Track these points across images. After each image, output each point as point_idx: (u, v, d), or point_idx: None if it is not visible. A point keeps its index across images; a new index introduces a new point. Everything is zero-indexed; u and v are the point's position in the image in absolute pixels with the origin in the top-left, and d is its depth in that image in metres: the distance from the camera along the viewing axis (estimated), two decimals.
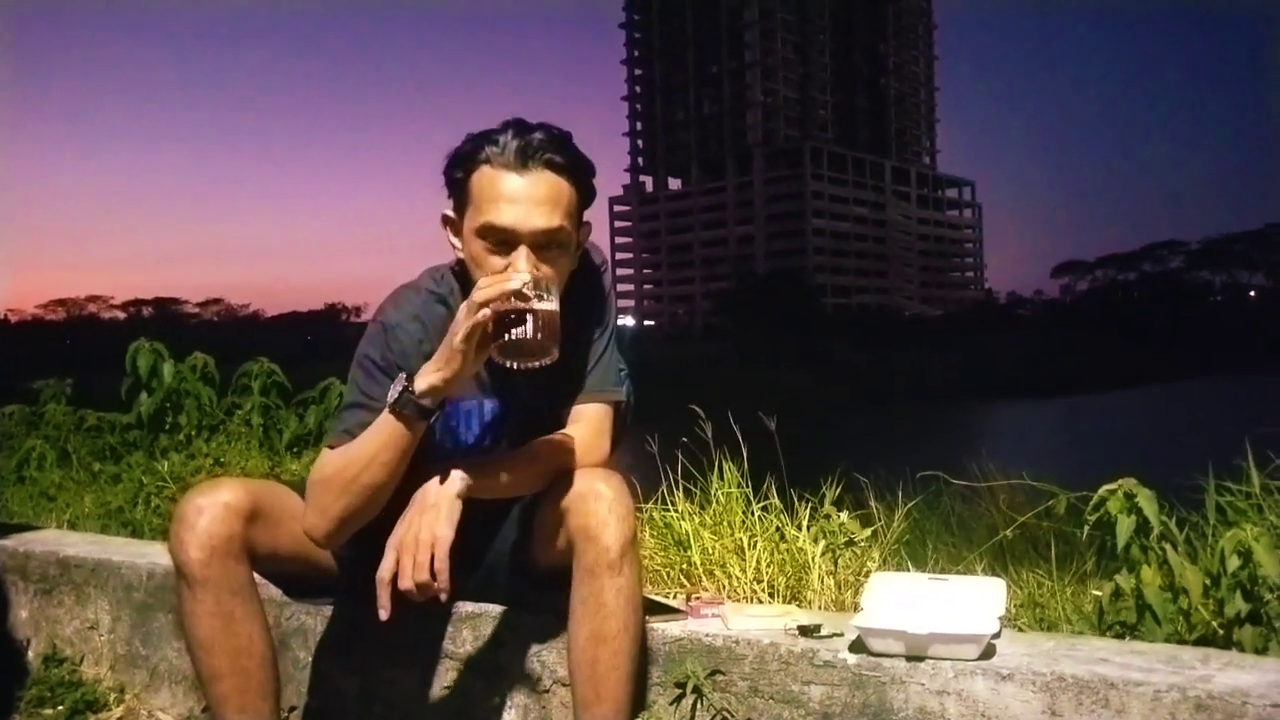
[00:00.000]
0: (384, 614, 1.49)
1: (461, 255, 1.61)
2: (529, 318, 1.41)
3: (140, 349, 4.13)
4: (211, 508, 1.51)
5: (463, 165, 1.56)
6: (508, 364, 1.44)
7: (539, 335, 1.41)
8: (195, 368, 4.16)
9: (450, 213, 1.62)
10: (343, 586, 1.80)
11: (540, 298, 1.42)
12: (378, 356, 1.65)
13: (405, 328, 1.66)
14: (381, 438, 1.51)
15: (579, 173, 1.57)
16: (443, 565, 1.49)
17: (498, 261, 1.52)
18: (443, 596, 1.50)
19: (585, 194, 1.60)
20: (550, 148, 1.53)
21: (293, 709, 2.01)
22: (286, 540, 1.61)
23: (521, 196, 1.51)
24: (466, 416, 1.72)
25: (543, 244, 1.53)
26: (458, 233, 1.60)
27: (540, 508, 1.65)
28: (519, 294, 1.40)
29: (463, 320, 1.42)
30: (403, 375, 1.51)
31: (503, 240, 1.52)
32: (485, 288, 1.41)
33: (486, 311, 1.40)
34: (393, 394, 1.49)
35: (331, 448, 1.61)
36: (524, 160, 1.51)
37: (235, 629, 1.51)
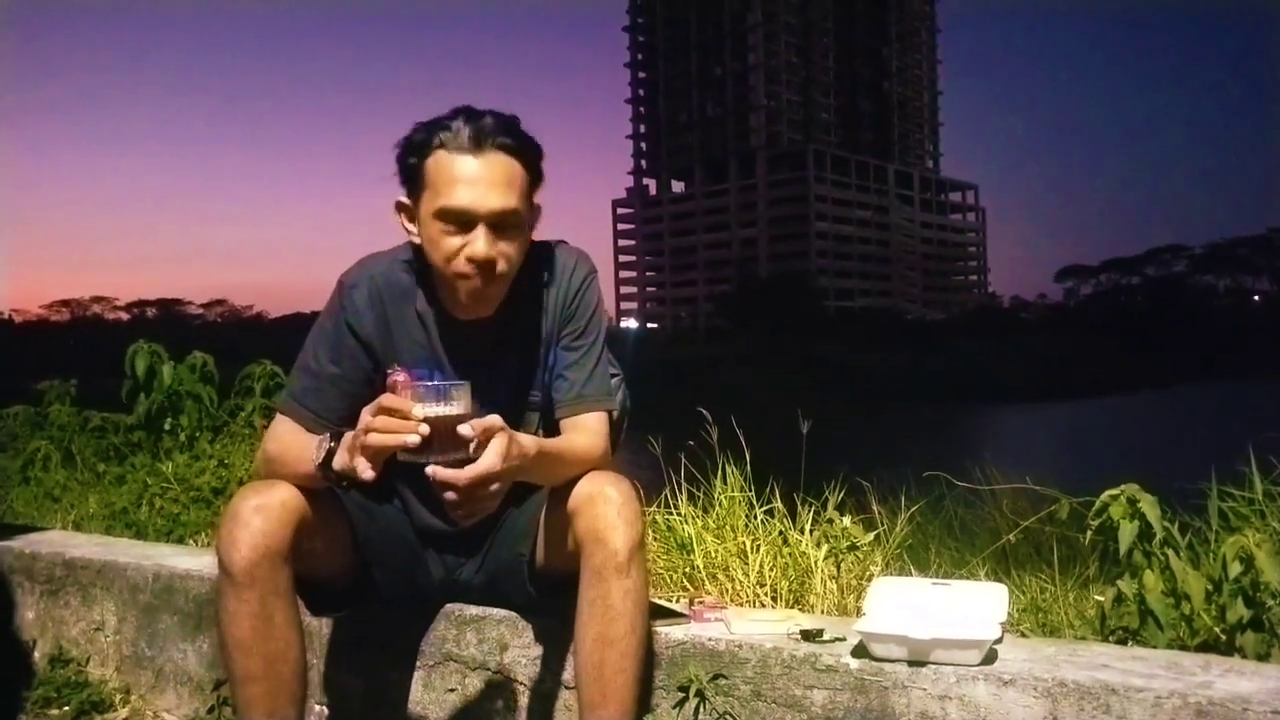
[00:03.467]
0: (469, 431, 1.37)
1: (416, 240, 1.64)
2: (425, 451, 1.34)
3: (138, 350, 4.13)
4: (268, 508, 1.51)
5: (416, 152, 1.58)
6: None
7: (434, 458, 1.36)
8: (194, 367, 4.16)
9: (405, 199, 1.64)
10: (356, 594, 1.80)
11: (445, 405, 1.35)
12: (331, 315, 1.70)
13: (361, 288, 1.69)
14: (305, 469, 1.54)
15: (529, 154, 1.61)
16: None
17: (454, 242, 1.56)
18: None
19: (535, 175, 1.63)
20: (502, 131, 1.56)
21: None
22: (319, 545, 1.61)
23: (478, 178, 1.54)
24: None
25: (499, 223, 1.57)
26: (413, 218, 1.63)
27: (548, 511, 1.67)
28: (410, 450, 1.34)
29: (359, 433, 1.39)
30: (328, 436, 1.52)
31: (461, 221, 1.55)
32: (382, 432, 1.34)
33: (375, 440, 1.35)
34: (316, 456, 1.50)
35: (282, 412, 1.68)
36: (478, 143, 1.55)
37: (274, 633, 1.51)
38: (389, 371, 1.66)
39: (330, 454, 1.48)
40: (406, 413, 1.33)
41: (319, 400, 1.66)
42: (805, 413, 2.74)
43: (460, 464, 1.35)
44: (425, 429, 1.33)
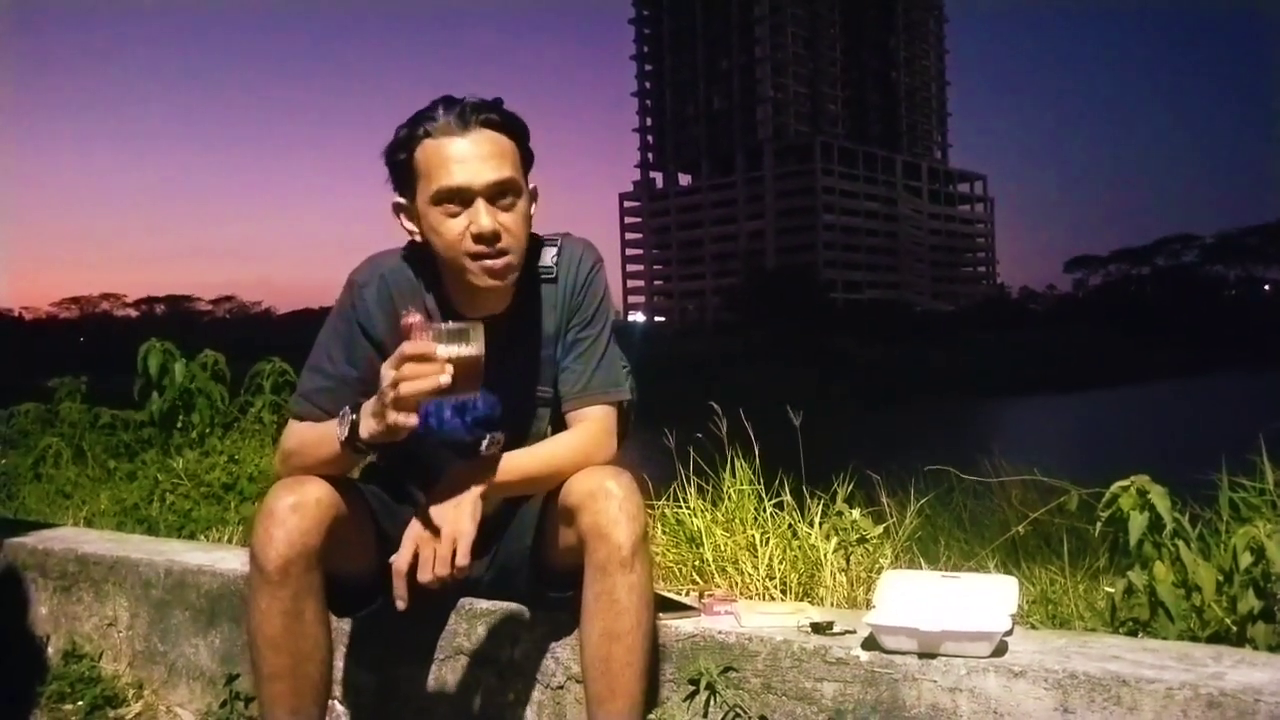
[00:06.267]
0: (401, 605, 1.50)
1: (418, 238, 1.64)
2: (448, 390, 1.38)
3: (151, 349, 4.16)
4: (304, 506, 1.50)
5: (404, 147, 1.59)
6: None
7: (455, 396, 1.41)
8: (206, 365, 4.19)
9: (399, 199, 1.64)
10: (374, 593, 1.79)
11: (464, 345, 1.39)
12: (343, 315, 1.69)
13: (371, 287, 1.69)
14: (330, 451, 1.54)
15: (515, 130, 1.61)
16: (464, 560, 1.51)
17: (456, 224, 1.56)
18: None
19: (525, 153, 1.64)
20: (485, 109, 1.58)
21: None
22: (348, 543, 1.61)
23: (469, 155, 1.55)
24: (458, 407, 1.72)
25: (497, 195, 1.57)
26: (411, 216, 1.63)
27: (551, 507, 1.66)
28: (440, 390, 1.37)
29: (385, 390, 1.40)
30: (348, 410, 1.51)
31: (460, 199, 1.55)
32: (412, 379, 1.37)
33: (407, 390, 1.38)
34: (341, 432, 1.50)
35: (296, 415, 1.68)
36: (464, 123, 1.56)
37: (304, 631, 1.51)
38: (404, 313, 1.66)
39: (355, 426, 1.48)
40: (431, 355, 1.36)
41: (333, 400, 1.64)
42: (813, 406, 2.73)
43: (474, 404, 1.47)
44: (451, 368, 1.36)
